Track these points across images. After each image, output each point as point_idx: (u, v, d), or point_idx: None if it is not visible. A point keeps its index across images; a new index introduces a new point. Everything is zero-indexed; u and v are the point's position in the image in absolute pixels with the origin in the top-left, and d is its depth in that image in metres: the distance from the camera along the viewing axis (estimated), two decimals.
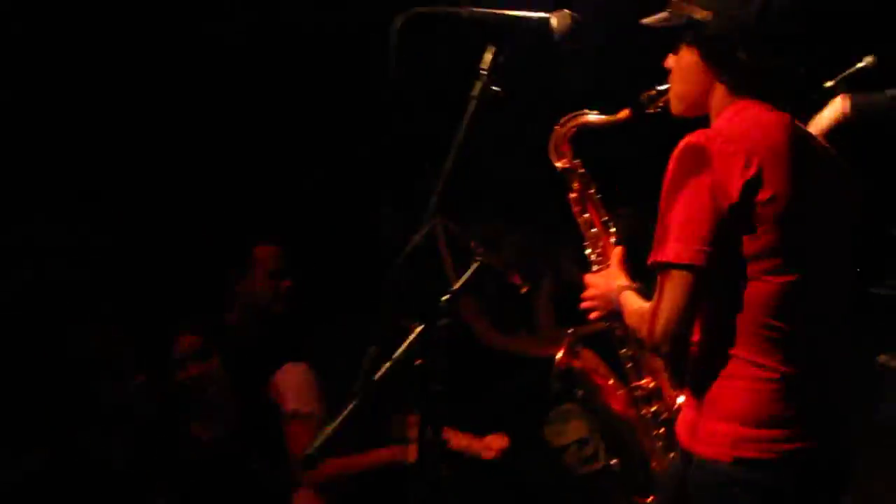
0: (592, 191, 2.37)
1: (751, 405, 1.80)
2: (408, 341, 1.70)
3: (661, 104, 2.13)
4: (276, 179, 4.40)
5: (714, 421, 1.82)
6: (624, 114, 2.26)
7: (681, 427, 1.92)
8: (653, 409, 2.29)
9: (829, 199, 1.89)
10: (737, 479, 1.78)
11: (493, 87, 1.75)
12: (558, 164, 2.38)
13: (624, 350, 2.32)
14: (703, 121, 1.96)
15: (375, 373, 1.68)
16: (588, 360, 2.48)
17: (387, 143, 4.41)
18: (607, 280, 2.14)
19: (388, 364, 1.68)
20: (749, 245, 1.77)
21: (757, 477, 1.78)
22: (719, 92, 1.93)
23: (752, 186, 1.76)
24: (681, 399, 2.21)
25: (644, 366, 2.30)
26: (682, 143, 1.81)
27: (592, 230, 2.35)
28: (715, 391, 1.83)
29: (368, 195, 4.47)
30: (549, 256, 4.47)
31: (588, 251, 2.35)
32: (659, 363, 2.28)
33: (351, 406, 1.66)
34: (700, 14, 1.86)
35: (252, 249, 3.54)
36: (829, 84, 2.87)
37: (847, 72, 2.91)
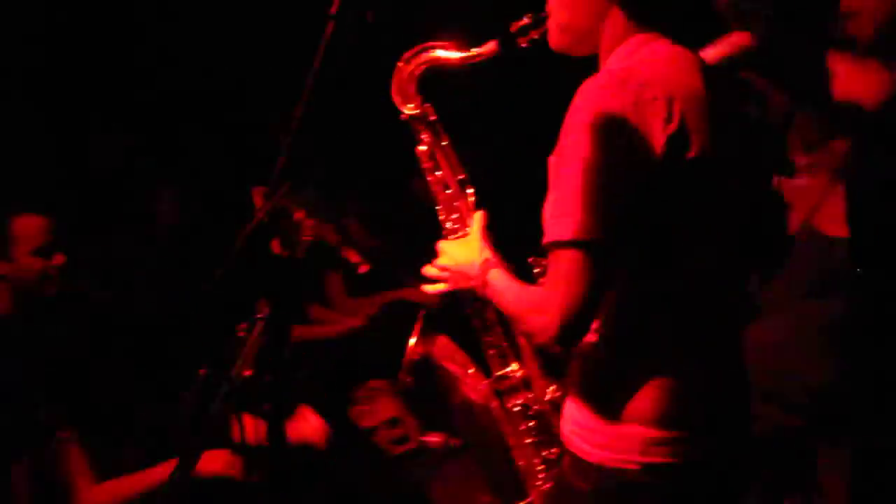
0: (446, 143, 1.98)
1: (661, 405, 1.54)
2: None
3: (536, 36, 1.78)
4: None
5: (617, 424, 1.56)
6: (489, 48, 1.85)
7: (570, 432, 1.64)
8: (520, 401, 1.96)
9: (743, 164, 1.64)
10: (645, 485, 1.54)
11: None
12: (403, 111, 1.96)
13: (486, 336, 1.98)
14: (588, 61, 1.64)
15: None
16: (442, 347, 2.09)
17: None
18: (467, 251, 1.81)
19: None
20: (665, 218, 1.49)
21: (667, 482, 1.55)
22: (615, 21, 1.60)
23: (675, 143, 1.46)
24: (552, 389, 1.94)
25: (510, 352, 1.98)
26: (583, 88, 1.48)
27: (447, 191, 1.97)
28: (618, 391, 1.57)
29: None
30: (333, 217, 4.08)
31: (441, 216, 1.97)
32: (528, 348, 1.95)
33: None
34: None
35: (9, 223, 2.92)
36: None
37: None
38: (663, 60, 1.54)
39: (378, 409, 3.45)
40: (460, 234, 1.92)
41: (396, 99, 1.95)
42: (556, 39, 1.70)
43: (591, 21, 1.62)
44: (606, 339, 1.57)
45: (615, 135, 1.42)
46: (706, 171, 1.49)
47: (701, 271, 1.55)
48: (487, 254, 1.77)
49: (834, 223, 2.17)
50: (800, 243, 2.21)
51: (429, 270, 1.86)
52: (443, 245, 1.87)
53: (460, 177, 1.96)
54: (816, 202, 2.21)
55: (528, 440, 1.94)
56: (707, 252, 1.55)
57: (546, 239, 1.48)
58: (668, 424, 1.54)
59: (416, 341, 2.06)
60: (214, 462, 2.69)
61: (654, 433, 1.53)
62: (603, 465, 1.55)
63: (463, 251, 1.82)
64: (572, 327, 1.47)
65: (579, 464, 1.59)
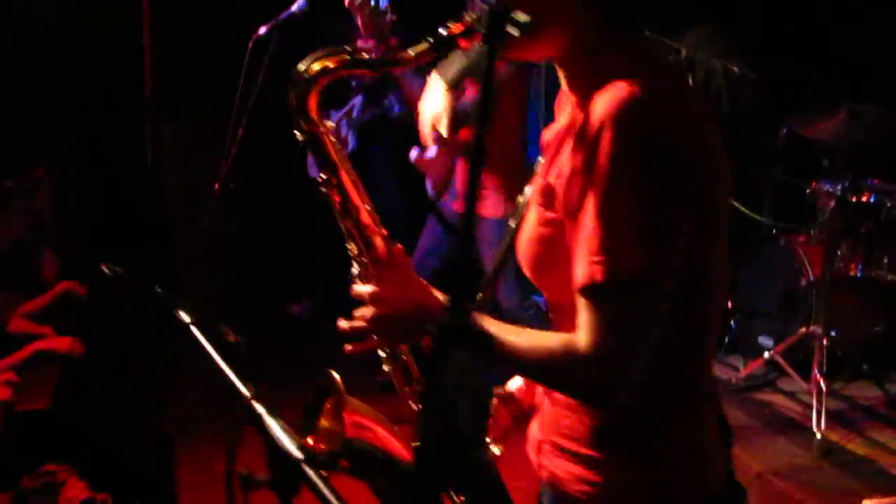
0: (349, 167, 1.63)
1: (690, 443, 1.42)
2: None
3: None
4: None
5: (641, 472, 1.39)
6: (418, 54, 1.50)
7: (586, 493, 1.42)
8: None
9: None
10: None
11: None
12: (304, 128, 1.59)
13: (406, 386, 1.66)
14: None
15: None
16: (355, 416, 1.72)
17: None
18: (406, 294, 1.50)
19: None
20: (702, 242, 1.31)
21: None
22: (588, 26, 1.35)
23: (718, 164, 1.31)
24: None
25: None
26: (624, 104, 1.22)
27: (363, 227, 1.61)
28: (643, 435, 1.39)
29: None
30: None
31: (356, 255, 1.62)
32: None
33: None
34: None
35: None
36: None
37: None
38: (665, 70, 1.37)
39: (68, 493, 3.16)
40: (374, 274, 1.59)
41: (295, 117, 1.58)
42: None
43: (555, 26, 1.36)
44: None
45: (674, 156, 1.24)
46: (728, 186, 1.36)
47: (724, 283, 1.41)
48: (439, 295, 1.48)
49: None
50: None
51: (354, 323, 1.53)
52: (364, 290, 1.53)
53: (368, 207, 1.62)
54: None
55: None
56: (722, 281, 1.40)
57: (601, 276, 1.24)
58: (703, 464, 1.43)
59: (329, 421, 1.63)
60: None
61: (688, 474, 1.41)
62: None
63: (402, 296, 1.50)
64: (633, 375, 1.27)
65: None
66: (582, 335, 1.28)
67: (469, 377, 0.86)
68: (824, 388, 4.08)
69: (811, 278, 4.57)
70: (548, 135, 1.48)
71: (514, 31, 1.00)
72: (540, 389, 1.56)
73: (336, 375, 1.57)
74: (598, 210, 1.24)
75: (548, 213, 1.37)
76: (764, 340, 4.69)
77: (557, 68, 1.43)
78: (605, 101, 1.25)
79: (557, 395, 1.46)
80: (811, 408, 4.07)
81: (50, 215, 4.87)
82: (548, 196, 1.37)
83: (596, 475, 1.40)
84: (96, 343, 3.99)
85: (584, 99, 1.34)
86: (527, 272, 1.43)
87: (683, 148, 1.25)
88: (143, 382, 4.48)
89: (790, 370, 4.43)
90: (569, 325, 1.35)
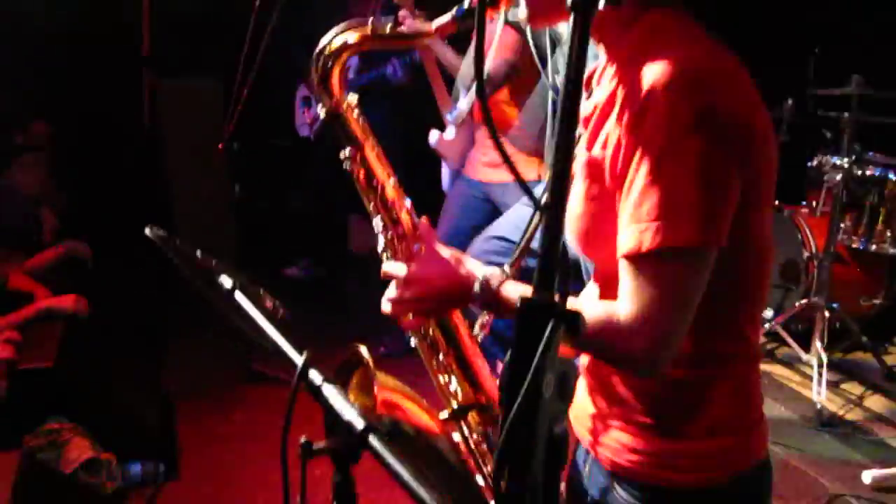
0: (373, 141, 1.61)
1: (742, 411, 1.42)
2: None
3: (504, 9, 1.45)
4: None
5: (702, 441, 1.39)
6: (445, 24, 1.47)
7: (635, 462, 1.42)
8: (482, 429, 1.65)
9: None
10: (735, 497, 1.42)
11: None
12: (327, 105, 1.56)
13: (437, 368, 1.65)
14: None
15: None
16: (386, 391, 1.72)
17: None
18: (440, 268, 1.49)
19: None
20: (755, 197, 1.30)
21: (751, 490, 1.45)
22: None
23: (764, 128, 1.29)
24: None
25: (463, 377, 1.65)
26: (668, 77, 1.22)
27: (384, 201, 1.60)
28: (698, 407, 1.39)
29: None
30: None
31: (382, 232, 1.61)
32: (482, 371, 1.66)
33: None
34: None
35: None
36: None
37: None
38: (697, 34, 1.33)
39: (71, 452, 3.18)
40: (405, 250, 1.58)
41: (318, 91, 1.56)
42: (535, 14, 1.41)
43: None
44: (682, 355, 1.32)
45: (722, 126, 1.22)
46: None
47: (770, 240, 1.39)
48: (475, 265, 1.46)
49: None
50: None
51: (395, 304, 1.52)
52: (399, 268, 1.53)
53: (394, 179, 1.59)
54: None
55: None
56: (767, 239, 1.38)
57: (648, 244, 1.24)
58: (749, 427, 1.43)
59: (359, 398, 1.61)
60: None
61: (737, 440, 1.41)
62: (698, 487, 1.40)
63: (437, 272, 1.49)
64: (675, 344, 1.27)
65: (664, 494, 1.41)
66: (624, 303, 1.28)
67: (555, 354, 0.85)
68: (825, 360, 4.11)
69: (813, 250, 4.59)
70: (586, 107, 1.46)
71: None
72: (585, 357, 1.55)
73: (364, 350, 1.56)
74: (646, 179, 1.23)
75: (595, 185, 1.36)
76: (764, 311, 4.72)
77: (593, 38, 1.41)
78: (655, 72, 1.24)
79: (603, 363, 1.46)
80: (811, 378, 4.11)
81: (49, 171, 4.82)
82: (594, 169, 1.36)
83: (647, 443, 1.40)
84: (99, 302, 3.97)
85: (628, 68, 1.33)
86: (576, 246, 1.42)
87: (733, 117, 1.24)
88: (144, 342, 4.47)
89: (790, 340, 4.46)
90: (614, 298, 1.36)
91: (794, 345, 4.44)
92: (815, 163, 4.70)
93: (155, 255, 1.58)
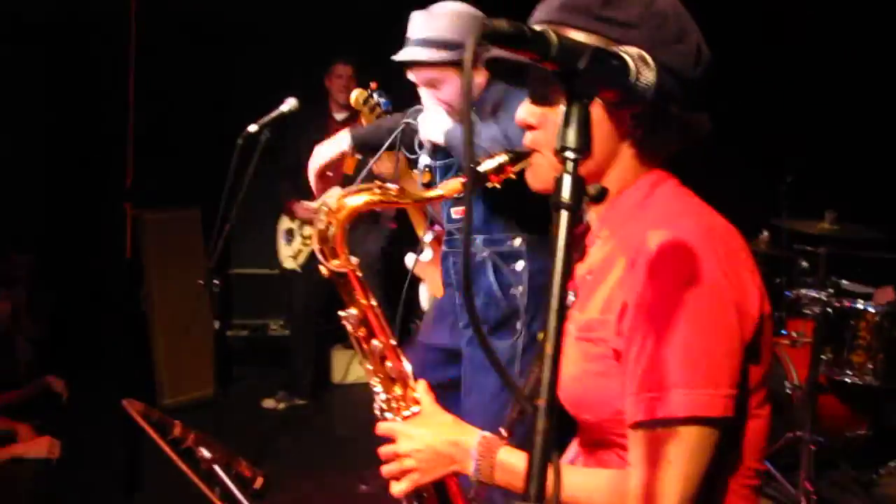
0: (375, 303, 1.59)
1: None
2: None
3: (512, 175, 1.47)
4: None
5: None
6: (452, 188, 1.49)
7: None
8: None
9: None
10: None
11: None
12: (331, 266, 1.55)
13: None
14: None
15: None
16: None
17: None
18: (437, 430, 1.47)
19: None
20: (754, 375, 1.33)
21: None
22: (627, 159, 1.37)
23: (761, 298, 1.32)
24: None
25: None
26: (670, 249, 1.26)
27: (387, 364, 1.56)
28: None
29: None
30: None
31: (380, 392, 1.57)
32: None
33: None
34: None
35: None
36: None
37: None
38: (697, 204, 1.39)
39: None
40: (406, 413, 1.54)
41: (321, 255, 1.54)
42: (538, 179, 1.42)
43: (602, 162, 1.37)
44: None
45: (723, 294, 1.25)
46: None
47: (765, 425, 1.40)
48: (473, 431, 1.45)
49: None
50: None
51: (390, 467, 1.50)
52: (397, 427, 1.51)
53: (393, 341, 1.58)
54: None
55: None
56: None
57: (657, 414, 1.24)
58: None
59: None
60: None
61: None
62: None
63: (432, 433, 1.47)
64: None
65: None
66: (634, 472, 1.27)
67: None
68: (814, 497, 4.05)
69: (796, 382, 4.57)
70: (580, 269, 1.47)
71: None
72: None
73: None
74: (654, 349, 1.24)
75: (593, 349, 1.36)
76: None
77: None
78: (659, 241, 1.27)
79: None
80: None
81: (26, 302, 4.79)
82: (591, 331, 1.36)
83: None
84: (71, 441, 3.89)
85: (625, 232, 1.36)
86: (569, 409, 1.41)
87: (730, 286, 1.27)
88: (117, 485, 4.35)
89: (778, 475, 4.40)
90: (607, 460, 1.36)
91: (782, 480, 4.37)
92: (793, 294, 4.73)
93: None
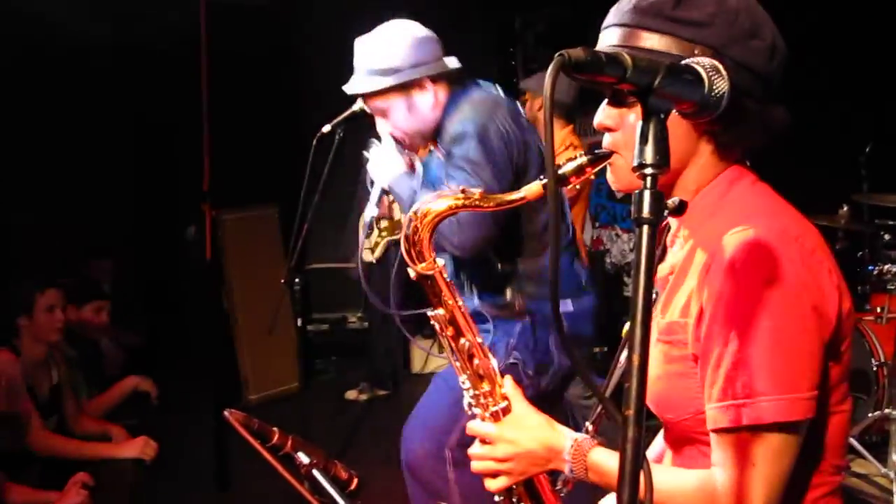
0: (461, 302, 1.61)
1: None
2: None
3: (592, 176, 1.47)
4: None
5: None
6: (534, 192, 1.50)
7: None
8: None
9: None
10: None
11: None
12: (417, 269, 1.58)
13: None
14: None
15: None
16: None
17: None
18: (529, 430, 1.50)
19: None
20: (835, 373, 1.34)
21: None
22: (705, 156, 1.38)
23: (840, 297, 1.32)
24: None
25: None
26: (747, 251, 1.27)
27: (474, 361, 1.59)
28: None
29: None
30: None
31: (469, 389, 1.60)
32: None
33: None
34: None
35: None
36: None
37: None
38: (773, 202, 1.40)
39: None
40: (494, 408, 1.57)
41: (408, 259, 1.58)
42: (622, 180, 1.43)
43: (680, 162, 1.38)
44: None
45: (801, 295, 1.27)
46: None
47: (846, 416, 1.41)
48: (565, 431, 1.48)
49: None
50: None
51: (482, 464, 1.54)
52: (487, 428, 1.54)
53: (480, 339, 1.61)
54: None
55: None
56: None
57: (742, 420, 1.26)
58: None
59: None
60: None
61: None
62: None
63: (525, 434, 1.50)
64: None
65: None
66: (718, 473, 1.30)
67: None
68: None
69: (882, 358, 4.49)
70: (662, 268, 1.49)
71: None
72: None
73: None
74: (734, 355, 1.26)
75: (674, 350, 1.38)
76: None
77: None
78: (735, 243, 1.28)
79: None
80: (891, 492, 3.98)
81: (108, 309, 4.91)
82: (672, 334, 1.38)
83: None
84: (164, 439, 4.01)
85: (704, 230, 1.37)
86: (652, 409, 1.43)
87: (807, 287, 1.27)
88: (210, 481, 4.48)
89: (866, 453, 4.33)
90: (692, 455, 1.38)
91: (870, 457, 4.31)
92: (876, 270, 4.64)
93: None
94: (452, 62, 2.81)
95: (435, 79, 2.76)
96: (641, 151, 0.96)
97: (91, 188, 5.61)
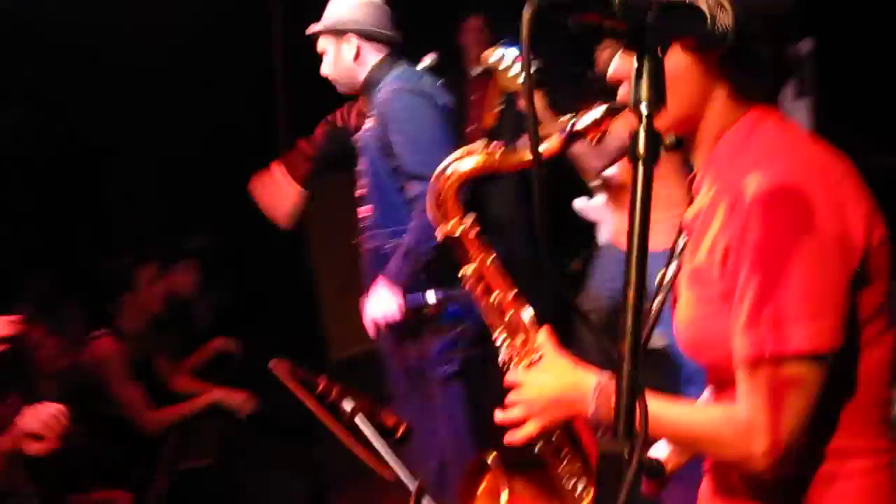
0: (493, 257, 1.64)
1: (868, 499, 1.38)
2: None
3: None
4: None
5: None
6: (552, 147, 1.51)
7: None
8: None
9: None
10: None
11: None
12: (443, 229, 1.62)
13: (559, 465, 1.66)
14: None
15: None
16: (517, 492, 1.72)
17: None
18: (556, 376, 1.51)
19: None
20: (866, 304, 1.32)
21: None
22: (719, 101, 1.37)
23: (869, 226, 1.31)
24: None
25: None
26: (768, 189, 1.28)
27: (508, 314, 1.63)
28: (816, 500, 1.37)
29: None
30: None
31: (502, 343, 1.64)
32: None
33: None
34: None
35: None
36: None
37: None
38: (799, 136, 1.39)
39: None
40: (528, 359, 1.59)
41: (434, 218, 1.62)
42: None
43: (697, 103, 1.38)
44: (811, 450, 1.35)
45: (826, 231, 1.27)
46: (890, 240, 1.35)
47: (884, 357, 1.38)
48: (592, 373, 1.49)
49: None
50: None
51: (511, 412, 1.55)
52: (517, 376, 1.57)
53: (513, 291, 1.63)
54: None
55: None
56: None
57: (765, 352, 1.27)
58: None
59: None
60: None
61: None
62: None
63: (552, 377, 1.52)
64: (796, 446, 1.29)
65: None
66: (743, 407, 1.31)
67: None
68: None
69: None
70: (688, 213, 1.49)
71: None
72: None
73: (491, 460, 1.60)
74: (758, 288, 1.27)
75: (703, 293, 1.38)
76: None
77: (688, 146, 1.45)
78: (758, 183, 1.28)
79: None
80: None
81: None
82: (700, 277, 1.39)
83: None
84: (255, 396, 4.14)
85: (728, 173, 1.37)
86: (687, 353, 1.44)
87: (830, 219, 1.27)
88: (299, 433, 4.60)
89: None
90: (730, 401, 1.37)
91: None
92: None
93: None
94: (394, 36, 3.35)
95: (365, 38, 3.30)
96: (636, 89, 0.96)
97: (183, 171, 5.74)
